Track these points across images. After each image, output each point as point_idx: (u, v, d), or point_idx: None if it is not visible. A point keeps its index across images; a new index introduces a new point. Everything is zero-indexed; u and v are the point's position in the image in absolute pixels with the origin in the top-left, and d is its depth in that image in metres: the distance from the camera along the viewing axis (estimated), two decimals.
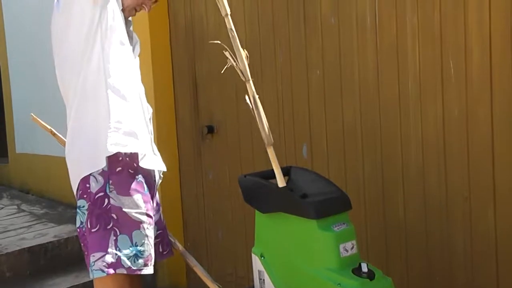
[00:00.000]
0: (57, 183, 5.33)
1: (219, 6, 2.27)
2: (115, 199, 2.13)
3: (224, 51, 2.23)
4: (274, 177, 2.54)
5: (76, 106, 2.21)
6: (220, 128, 3.79)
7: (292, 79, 3.26)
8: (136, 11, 2.45)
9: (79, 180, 2.19)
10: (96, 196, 2.13)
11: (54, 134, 2.69)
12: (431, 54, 2.63)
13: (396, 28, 2.75)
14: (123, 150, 2.16)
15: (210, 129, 3.81)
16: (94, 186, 2.14)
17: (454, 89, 2.57)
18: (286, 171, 2.52)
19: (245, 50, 2.26)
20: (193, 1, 3.88)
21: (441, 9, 2.59)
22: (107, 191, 2.13)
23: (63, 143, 2.57)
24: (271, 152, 2.32)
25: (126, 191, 2.15)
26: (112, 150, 2.13)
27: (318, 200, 2.29)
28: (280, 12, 3.30)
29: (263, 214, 2.43)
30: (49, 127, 2.68)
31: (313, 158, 3.18)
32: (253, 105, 2.31)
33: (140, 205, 2.17)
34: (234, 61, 2.23)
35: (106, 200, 2.12)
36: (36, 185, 5.97)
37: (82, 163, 2.19)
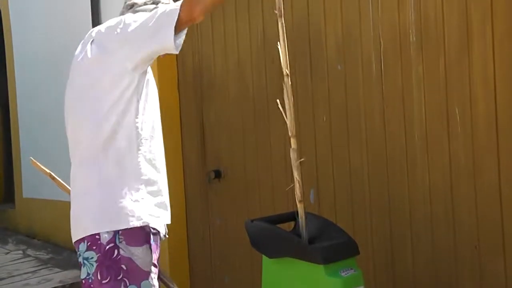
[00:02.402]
0: (63, 228, 5.28)
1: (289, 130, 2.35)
2: (125, 250, 2.11)
3: (287, 189, 2.37)
4: (280, 222, 2.55)
5: (90, 160, 2.16)
6: (227, 172, 3.80)
7: (299, 125, 3.28)
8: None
9: (86, 234, 2.16)
10: (107, 248, 2.10)
11: (53, 178, 2.67)
12: (437, 102, 2.66)
13: (402, 76, 2.78)
14: (157, 221, 2.17)
15: (217, 174, 3.82)
16: (105, 237, 2.10)
17: (460, 137, 2.58)
18: (293, 216, 2.52)
19: (298, 180, 2.31)
20: (201, 46, 3.94)
21: (445, 58, 2.62)
22: (117, 242, 2.11)
23: (62, 187, 2.55)
24: None
25: (135, 242, 2.13)
26: (149, 221, 2.13)
27: (325, 245, 2.28)
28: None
29: (270, 259, 2.42)
30: (48, 170, 2.66)
31: (320, 203, 3.18)
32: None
33: (149, 255, 2.17)
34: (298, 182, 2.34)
35: (116, 251, 2.11)
36: (42, 230, 5.95)
37: (98, 218, 2.14)
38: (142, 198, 2.14)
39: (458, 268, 2.61)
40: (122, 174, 2.14)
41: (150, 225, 2.16)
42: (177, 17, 2.00)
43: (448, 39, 2.61)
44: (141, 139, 2.16)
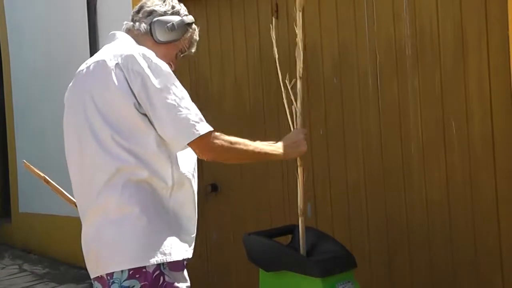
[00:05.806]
0: (60, 242, 5.29)
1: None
2: (169, 276, 2.08)
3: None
4: (278, 235, 2.54)
5: (116, 191, 2.03)
6: (224, 186, 3.80)
7: None
8: None
9: (136, 265, 2.05)
10: (154, 275, 2.08)
11: (47, 182, 2.64)
12: (433, 115, 2.67)
13: (398, 89, 2.80)
14: (187, 255, 2.18)
15: (214, 188, 3.82)
16: (150, 266, 2.06)
17: (457, 151, 2.59)
18: (290, 230, 2.51)
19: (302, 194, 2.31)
20: (197, 64, 3.95)
21: (441, 71, 2.64)
22: (162, 268, 2.10)
23: (57, 191, 2.52)
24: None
25: (177, 267, 2.13)
26: (187, 255, 2.16)
27: (322, 258, 2.28)
28: (282, 73, 3.35)
29: (267, 273, 2.41)
30: (42, 174, 2.63)
31: (317, 216, 3.18)
32: None
33: (187, 278, 2.17)
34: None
35: (162, 278, 2.08)
36: (38, 244, 5.93)
37: (146, 248, 2.07)
38: (179, 235, 2.15)
39: (455, 280, 2.61)
40: (158, 212, 2.09)
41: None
42: (191, 140, 2.05)
43: (443, 53, 2.63)
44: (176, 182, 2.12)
